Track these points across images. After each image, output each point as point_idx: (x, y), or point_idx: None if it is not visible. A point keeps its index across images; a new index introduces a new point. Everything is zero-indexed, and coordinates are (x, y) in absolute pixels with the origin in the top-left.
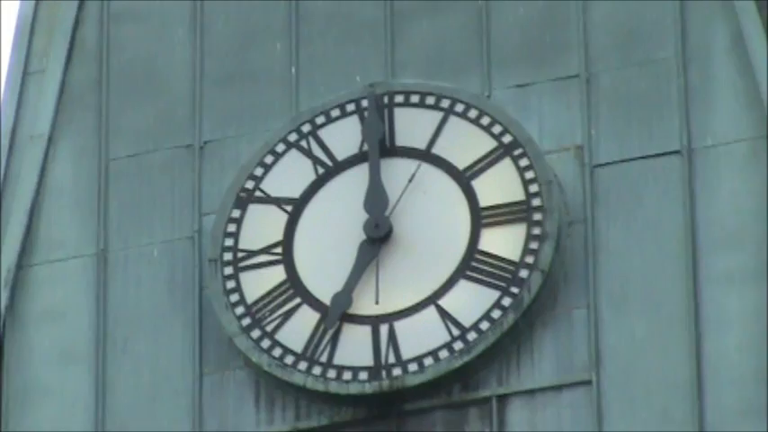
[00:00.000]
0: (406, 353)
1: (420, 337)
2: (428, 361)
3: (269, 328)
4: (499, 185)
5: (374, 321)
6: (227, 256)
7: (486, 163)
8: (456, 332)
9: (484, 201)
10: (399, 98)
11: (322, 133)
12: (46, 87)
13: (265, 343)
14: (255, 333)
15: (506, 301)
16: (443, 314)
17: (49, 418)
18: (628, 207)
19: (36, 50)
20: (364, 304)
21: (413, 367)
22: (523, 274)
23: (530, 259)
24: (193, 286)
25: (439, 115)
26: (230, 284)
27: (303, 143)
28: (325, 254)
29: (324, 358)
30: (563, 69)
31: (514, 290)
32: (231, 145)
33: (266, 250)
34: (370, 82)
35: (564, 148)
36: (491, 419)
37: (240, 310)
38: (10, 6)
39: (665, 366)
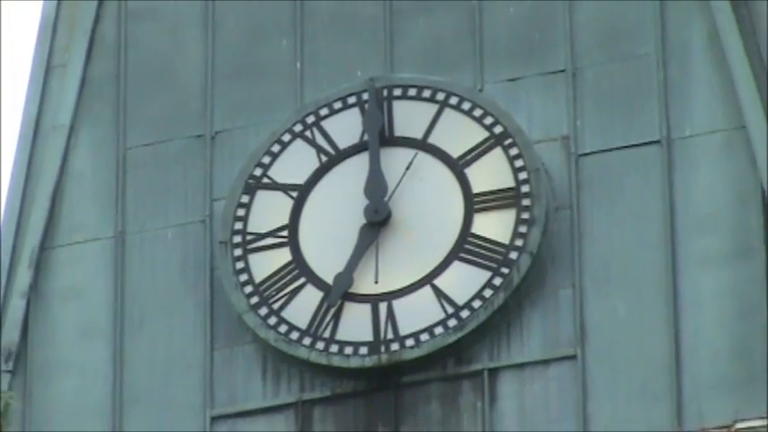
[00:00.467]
0: (404, 329)
1: (416, 314)
2: (424, 337)
3: (275, 306)
4: (490, 173)
5: (374, 300)
6: (237, 239)
7: (478, 152)
8: (450, 310)
9: (476, 187)
10: (397, 91)
11: (325, 124)
12: (67, 81)
13: (272, 320)
14: (263, 310)
15: (497, 281)
16: (438, 293)
17: (70, 390)
18: (610, 193)
19: (58, 46)
20: (364, 284)
21: (410, 342)
22: (513, 255)
23: (519, 242)
24: (205, 267)
25: (434, 107)
26: (239, 265)
27: (308, 133)
28: (328, 237)
29: (326, 334)
30: (550, 65)
31: (505, 270)
32: (240, 135)
33: (273, 233)
34: (371, 76)
35: (551, 138)
36: (483, 391)
37: (249, 289)
38: (33, 5)
39: (645, 342)
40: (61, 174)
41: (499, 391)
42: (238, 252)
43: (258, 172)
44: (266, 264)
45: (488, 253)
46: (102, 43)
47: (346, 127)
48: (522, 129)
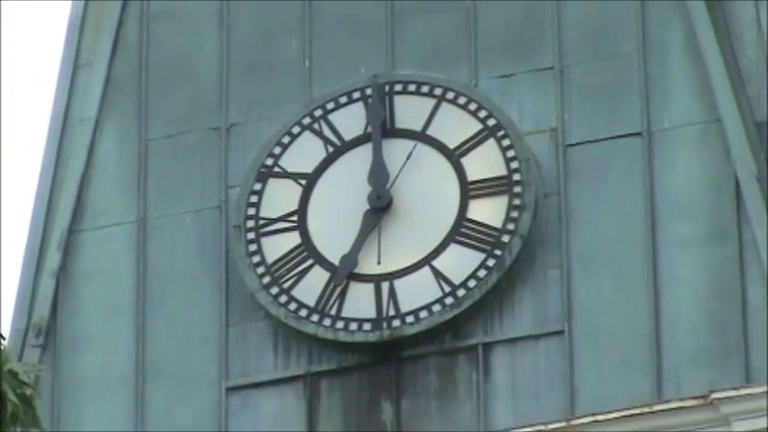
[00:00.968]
0: (404, 307)
1: (416, 293)
2: (423, 314)
3: (285, 286)
4: (484, 162)
5: (376, 279)
6: (250, 224)
7: (473, 143)
8: (447, 289)
9: (471, 175)
10: (398, 87)
11: (332, 117)
12: (93, 78)
13: (282, 298)
14: (274, 290)
15: (491, 262)
16: (436, 273)
17: (95, 363)
18: (595, 181)
19: (85, 46)
20: (368, 265)
21: (410, 319)
22: (505, 238)
23: (511, 226)
24: (220, 249)
25: (433, 102)
26: (252, 248)
27: (315, 126)
28: (335, 221)
29: (333, 311)
30: (540, 62)
31: (498, 252)
32: (253, 127)
33: (283, 218)
34: (373, 73)
35: (540, 130)
36: (477, 364)
37: (261, 269)
38: (61, 9)
39: (627, 319)
40: (88, 164)
41: (493, 364)
42: (251, 235)
43: (270, 161)
44: (277, 246)
45: (482, 236)
46: (125, 43)
47: (351, 120)
48: (513, 121)
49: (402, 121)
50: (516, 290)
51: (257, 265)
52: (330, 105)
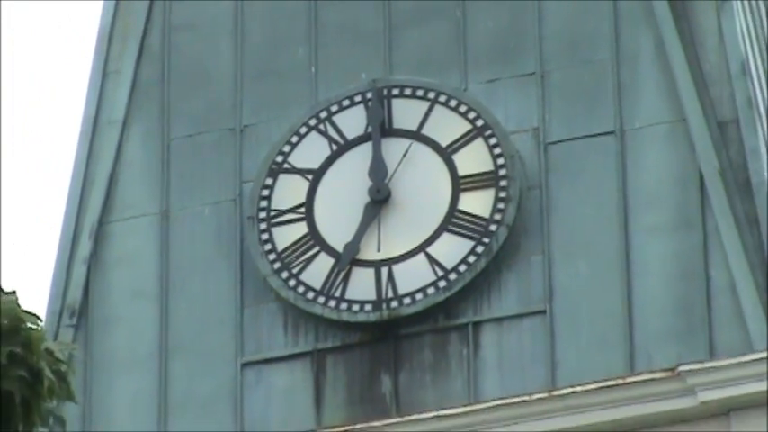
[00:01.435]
0: (402, 289)
1: (412, 277)
2: (419, 296)
3: (294, 271)
4: (474, 159)
5: (376, 265)
6: (262, 215)
7: (463, 141)
8: (440, 273)
9: (462, 171)
10: (396, 91)
11: (335, 118)
12: (120, 84)
13: (292, 282)
14: (284, 274)
15: (479, 249)
16: (431, 259)
17: (123, 341)
18: (573, 176)
19: (113, 55)
20: (369, 252)
21: (407, 301)
22: (493, 228)
23: (497, 216)
24: (236, 238)
25: (427, 104)
26: (264, 236)
27: (321, 126)
28: (338, 212)
29: (337, 294)
30: (523, 68)
31: (486, 240)
32: (265, 128)
33: (292, 210)
34: (373, 78)
35: (524, 129)
36: (468, 341)
37: (272, 256)
38: (91, 22)
39: (603, 300)
40: (116, 161)
41: (481, 341)
42: (263, 226)
43: (280, 158)
44: (287, 235)
45: (472, 226)
46: (150, 52)
47: (353, 121)
48: (499, 122)
49: (399, 122)
50: (502, 274)
51: (269, 252)
52: (334, 108)
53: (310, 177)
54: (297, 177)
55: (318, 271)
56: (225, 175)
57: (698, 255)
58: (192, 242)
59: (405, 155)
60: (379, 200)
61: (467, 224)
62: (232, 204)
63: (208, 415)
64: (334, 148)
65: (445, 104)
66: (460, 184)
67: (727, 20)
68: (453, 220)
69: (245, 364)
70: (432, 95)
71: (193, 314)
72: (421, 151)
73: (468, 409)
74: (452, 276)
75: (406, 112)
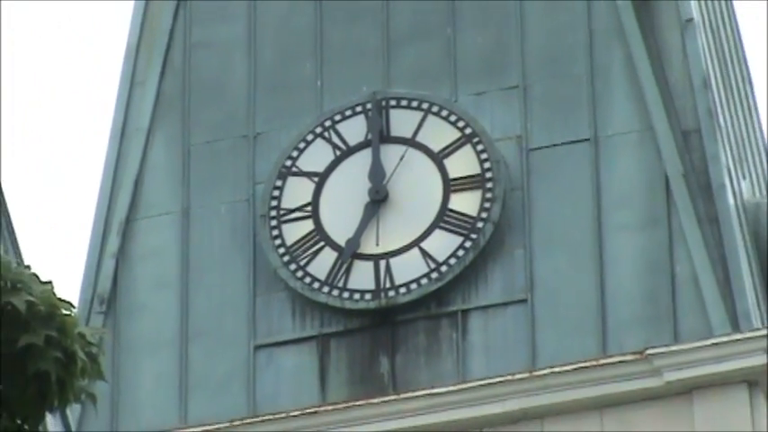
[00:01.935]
0: (398, 280)
1: (407, 269)
2: (413, 286)
3: (302, 263)
4: (463, 163)
5: (375, 258)
6: (273, 213)
7: (453, 147)
8: (433, 266)
9: (452, 174)
10: (393, 102)
11: (339, 127)
12: (146, 95)
13: (299, 273)
14: (292, 266)
15: (468, 244)
16: (424, 253)
17: (148, 327)
18: (553, 178)
19: (139, 68)
20: (368, 246)
21: (402, 290)
22: (480, 225)
23: (484, 215)
24: (249, 234)
25: (421, 114)
26: (275, 233)
27: (326, 134)
28: (341, 211)
29: (340, 284)
30: (507, 82)
31: (474, 236)
32: (275, 135)
33: (300, 209)
34: (373, 91)
35: (508, 137)
36: (457, 327)
37: (282, 250)
38: (119, 39)
39: (578, 290)
40: (141, 165)
41: (470, 327)
42: (274, 223)
43: (288, 163)
44: (295, 231)
45: (461, 223)
46: (172, 67)
47: (354, 129)
48: (486, 130)
49: (396, 130)
50: (488, 266)
51: (279, 246)
52: (337, 117)
53: (316, 179)
54: (304, 179)
55: (323, 263)
56: (239, 177)
57: (664, 250)
58: (209, 238)
59: (401, 159)
60: (378, 200)
61: (456, 222)
62: (246, 204)
63: (224, 392)
64: (338, 153)
65: (437, 114)
66: (451, 185)
67: (691, 39)
68: (444, 218)
69: (257, 347)
70: (425, 106)
71: (211, 302)
72: (415, 156)
73: (457, 387)
74: (443, 268)
75: (402, 121)
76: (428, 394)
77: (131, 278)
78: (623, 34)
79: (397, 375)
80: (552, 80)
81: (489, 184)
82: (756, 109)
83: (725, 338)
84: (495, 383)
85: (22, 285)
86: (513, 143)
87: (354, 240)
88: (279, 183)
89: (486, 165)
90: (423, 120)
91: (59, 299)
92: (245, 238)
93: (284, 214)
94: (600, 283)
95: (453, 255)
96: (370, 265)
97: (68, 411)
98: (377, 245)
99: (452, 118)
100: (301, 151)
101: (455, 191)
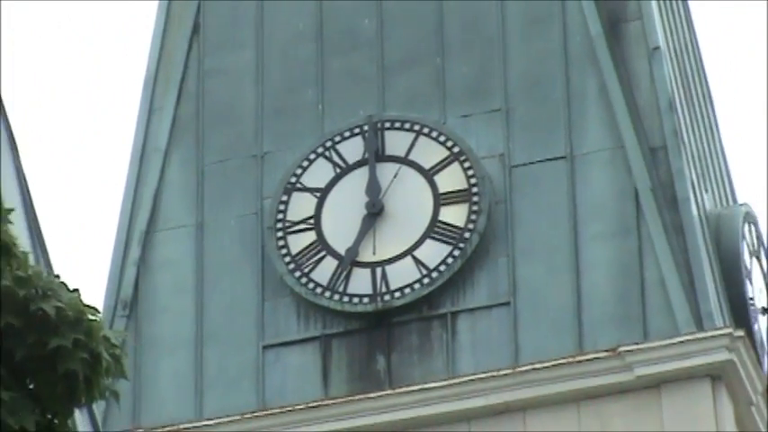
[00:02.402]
0: (393, 285)
1: (401, 275)
2: (407, 291)
3: (306, 270)
4: (451, 179)
5: (372, 266)
6: (279, 225)
7: (443, 165)
8: (424, 272)
9: (442, 188)
10: (388, 124)
11: (339, 147)
12: (163, 118)
13: (303, 280)
14: (297, 273)
15: (456, 253)
16: (417, 261)
17: (166, 329)
18: (533, 192)
19: (158, 95)
20: (366, 255)
21: (397, 295)
22: (467, 235)
23: (471, 226)
24: (257, 244)
25: (413, 135)
26: (281, 243)
27: (327, 153)
28: (341, 223)
29: (341, 289)
30: (491, 105)
31: (461, 245)
32: (281, 155)
33: (303, 221)
34: (369, 114)
35: (492, 155)
36: (447, 328)
37: (287, 259)
38: (139, 68)
39: (557, 293)
40: (159, 182)
41: (458, 328)
42: (280, 234)
43: (293, 179)
44: (299, 242)
45: (450, 233)
46: (187, 92)
47: (353, 149)
48: (472, 149)
49: (390, 149)
50: (475, 273)
51: (284, 255)
52: (337, 138)
53: (318, 195)
54: (307, 195)
55: (325, 271)
56: (248, 193)
57: (634, 257)
58: (221, 248)
59: (395, 176)
60: (375, 213)
61: (446, 232)
62: (254, 217)
63: (235, 388)
64: (338, 170)
65: (428, 135)
66: (441, 199)
67: (657, 65)
68: (435, 229)
69: (265, 347)
70: (417, 127)
71: (223, 306)
72: (408, 173)
73: (447, 383)
74: (434, 275)
75: (396, 142)
76: (421, 389)
77: (151, 285)
78: (596, 62)
79: (392, 372)
80: (532, 104)
81: (475, 198)
82: (717, 128)
83: (690, 337)
84: (481, 379)
85: (51, 293)
86: (496, 161)
87: (353, 249)
88: (284, 198)
89: (473, 180)
90: (415, 140)
91: (86, 305)
92: (254, 249)
93: (289, 226)
94: (576, 287)
95: (443, 262)
96: (367, 271)
97: (95, 407)
98: (374, 253)
99: (442, 138)
100: (305, 169)
101: (444, 204)
